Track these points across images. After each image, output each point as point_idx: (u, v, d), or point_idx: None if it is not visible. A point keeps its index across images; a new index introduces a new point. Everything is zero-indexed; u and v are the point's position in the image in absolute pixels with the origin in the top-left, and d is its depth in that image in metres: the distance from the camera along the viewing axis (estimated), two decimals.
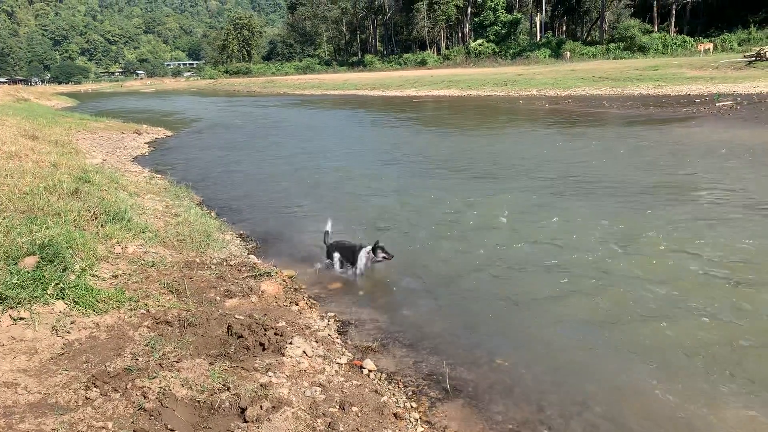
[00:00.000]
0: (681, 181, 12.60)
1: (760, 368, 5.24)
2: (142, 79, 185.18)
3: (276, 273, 7.52)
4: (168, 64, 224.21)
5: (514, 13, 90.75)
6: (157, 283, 6.28)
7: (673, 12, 69.91)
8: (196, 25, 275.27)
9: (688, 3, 69.03)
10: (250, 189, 14.34)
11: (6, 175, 8.94)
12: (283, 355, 5.03)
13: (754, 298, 6.60)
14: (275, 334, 5.35)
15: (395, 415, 4.52)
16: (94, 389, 4.03)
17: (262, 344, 5.15)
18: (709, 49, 55.41)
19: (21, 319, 4.78)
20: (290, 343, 5.22)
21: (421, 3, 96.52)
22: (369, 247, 7.74)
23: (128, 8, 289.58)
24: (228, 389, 4.26)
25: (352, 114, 37.41)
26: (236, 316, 5.74)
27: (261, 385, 4.42)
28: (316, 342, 5.64)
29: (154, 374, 4.29)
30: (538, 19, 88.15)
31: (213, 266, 7.32)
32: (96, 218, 7.76)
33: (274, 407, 4.11)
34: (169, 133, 27.89)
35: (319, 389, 4.62)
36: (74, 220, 7.29)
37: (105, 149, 20.17)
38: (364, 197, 12.69)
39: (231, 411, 4.06)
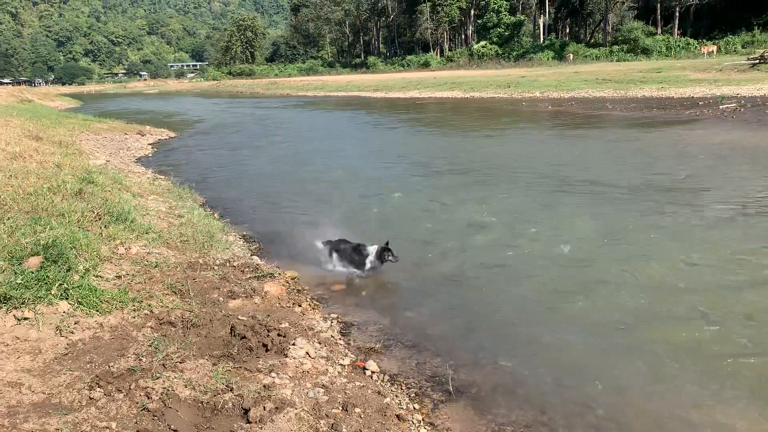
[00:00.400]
0: (684, 184, 12.57)
1: (764, 371, 5.22)
2: (145, 80, 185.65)
3: (279, 274, 7.53)
4: (171, 66, 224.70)
5: (518, 15, 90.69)
6: (160, 284, 6.29)
7: (677, 14, 69.80)
8: (200, 27, 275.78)
9: (691, 5, 68.97)
10: (254, 190, 14.35)
11: (10, 175, 8.96)
12: (286, 356, 5.04)
13: (757, 303, 6.58)
14: (278, 335, 5.35)
15: (398, 416, 4.52)
16: (98, 389, 4.04)
17: (265, 345, 5.16)
18: (712, 51, 55.35)
19: (25, 319, 4.79)
20: (293, 344, 5.23)
21: (425, 5, 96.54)
22: (376, 248, 7.75)
23: (132, 9, 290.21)
24: (231, 390, 4.27)
25: (355, 116, 37.43)
26: (239, 317, 5.74)
27: (264, 386, 4.42)
28: (319, 343, 5.64)
29: (158, 375, 4.29)
30: (541, 21, 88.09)
31: (216, 267, 7.32)
32: (100, 219, 7.77)
33: (277, 408, 4.11)
34: (173, 134, 27.94)
35: (322, 390, 4.62)
36: (78, 221, 7.30)
37: (108, 150, 20.21)
38: (367, 198, 12.70)
39: (234, 412, 4.06)
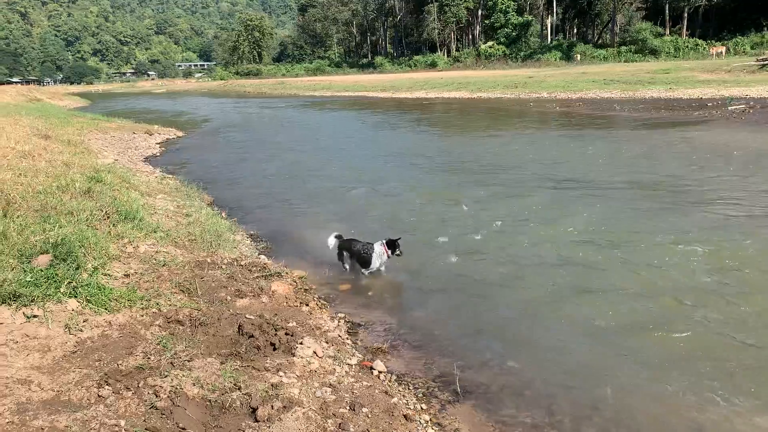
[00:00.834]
0: (692, 187, 12.49)
1: None
2: (153, 79, 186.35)
3: (286, 273, 7.54)
4: (179, 65, 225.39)
5: (525, 16, 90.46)
6: (168, 283, 6.31)
7: (685, 15, 69.53)
8: (207, 27, 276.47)
9: (700, 6, 68.63)
10: (261, 189, 14.38)
11: (20, 174, 9.00)
12: (294, 356, 5.04)
13: (765, 307, 6.54)
14: (286, 334, 5.36)
15: (405, 416, 4.52)
16: (107, 387, 4.05)
17: (272, 344, 5.17)
18: (721, 52, 55.06)
19: (34, 316, 4.82)
20: (301, 344, 5.23)
21: (432, 5, 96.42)
22: (382, 243, 7.77)
23: (140, 9, 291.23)
24: (239, 389, 4.27)
25: (362, 116, 37.44)
26: (247, 315, 5.75)
27: (272, 385, 4.43)
28: (327, 342, 5.65)
29: (166, 373, 4.30)
30: (548, 22, 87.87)
31: (224, 266, 7.34)
32: (108, 217, 7.81)
33: (285, 407, 4.12)
34: (180, 134, 28.03)
35: (329, 390, 4.63)
36: (87, 219, 7.33)
37: (117, 149, 20.29)
38: (373, 198, 12.70)
39: (242, 410, 4.07)
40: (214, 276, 6.90)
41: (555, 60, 74.06)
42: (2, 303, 4.86)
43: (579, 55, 71.95)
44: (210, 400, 4.11)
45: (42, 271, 5.32)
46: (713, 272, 7.48)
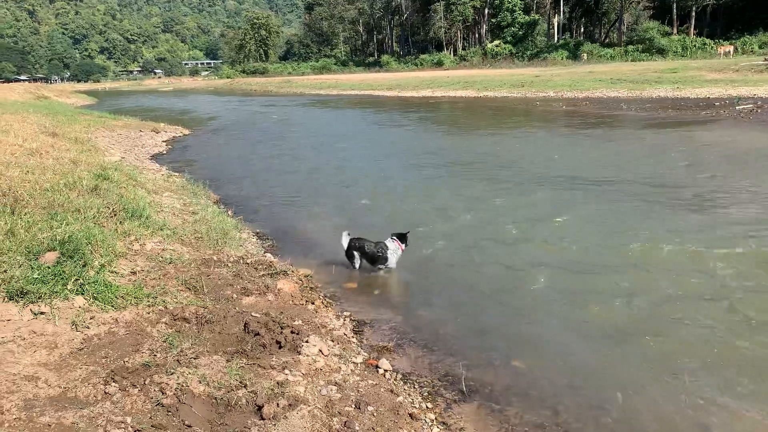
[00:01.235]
0: (701, 187, 12.43)
1: None
2: (160, 77, 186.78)
3: (292, 272, 7.55)
4: (186, 63, 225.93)
5: (532, 15, 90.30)
6: (174, 280, 6.32)
7: (693, 14, 69.25)
8: (214, 25, 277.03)
9: (708, 5, 68.33)
10: (267, 187, 14.40)
11: (27, 171, 9.05)
12: (300, 354, 5.05)
13: None
14: (291, 332, 5.37)
15: (411, 415, 4.51)
16: (113, 384, 4.07)
17: (278, 342, 5.17)
18: (729, 51, 54.83)
19: (41, 313, 4.84)
20: (306, 342, 5.24)
21: (438, 4, 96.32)
22: (394, 240, 7.83)
23: (147, 7, 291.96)
24: (245, 386, 4.28)
25: (369, 114, 37.45)
26: (253, 313, 5.76)
27: (277, 383, 4.44)
28: (332, 341, 5.65)
29: (172, 370, 4.31)
30: (555, 21, 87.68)
31: (230, 264, 7.35)
32: (115, 215, 7.84)
33: (290, 405, 4.12)
34: (187, 132, 28.09)
35: (335, 388, 4.63)
36: (94, 217, 7.37)
37: (123, 147, 20.36)
38: (379, 195, 12.70)
39: (248, 408, 4.08)
40: (220, 274, 6.91)
41: (562, 59, 73.88)
42: (10, 300, 4.89)
43: (586, 55, 71.78)
44: (216, 398, 4.12)
45: (49, 268, 5.34)
46: (720, 272, 7.45)
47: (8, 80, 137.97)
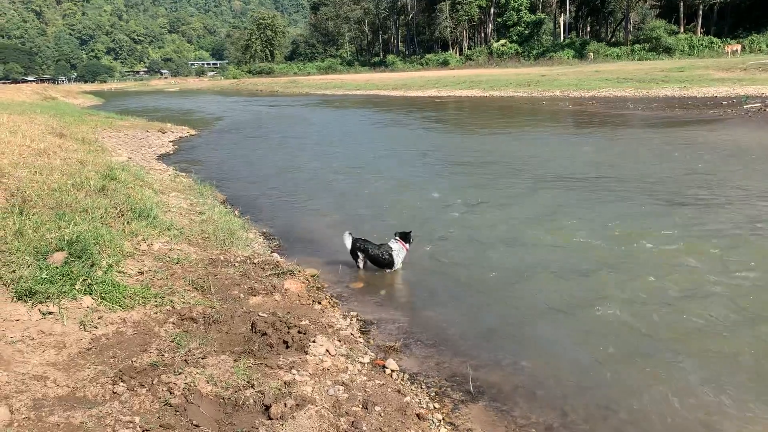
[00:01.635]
0: (709, 188, 12.37)
1: None
2: (166, 78, 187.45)
3: (299, 271, 7.55)
4: (192, 64, 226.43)
5: (538, 14, 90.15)
6: (182, 280, 6.34)
7: (700, 13, 68.93)
8: (220, 25, 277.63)
9: (715, 4, 68.02)
10: (273, 188, 14.42)
11: (35, 171, 9.08)
12: (307, 353, 5.05)
13: None
14: (298, 332, 5.37)
15: (418, 415, 4.51)
16: (121, 384, 4.08)
17: (285, 342, 5.18)
18: (736, 50, 54.57)
19: (50, 313, 4.86)
20: (313, 342, 5.24)
21: (444, 3, 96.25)
22: (398, 241, 7.84)
23: (153, 8, 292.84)
24: (252, 386, 4.29)
25: (374, 114, 37.46)
26: (260, 313, 5.77)
27: (285, 383, 4.44)
28: (339, 341, 5.65)
29: (180, 370, 4.32)
30: (561, 20, 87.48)
31: (237, 264, 7.36)
32: (122, 215, 7.86)
33: (298, 405, 4.12)
34: (193, 132, 28.15)
35: (342, 388, 4.63)
36: (101, 217, 7.39)
37: (130, 147, 20.43)
38: (385, 197, 12.70)
39: (255, 408, 4.08)
40: (227, 274, 6.93)
41: (568, 58, 73.74)
42: (18, 300, 4.92)
43: (592, 54, 71.57)
44: (223, 398, 4.12)
45: (57, 268, 5.36)
46: (727, 273, 7.41)
47: (16, 81, 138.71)
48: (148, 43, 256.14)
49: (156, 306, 5.52)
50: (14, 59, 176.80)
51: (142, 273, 6.28)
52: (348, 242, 8.15)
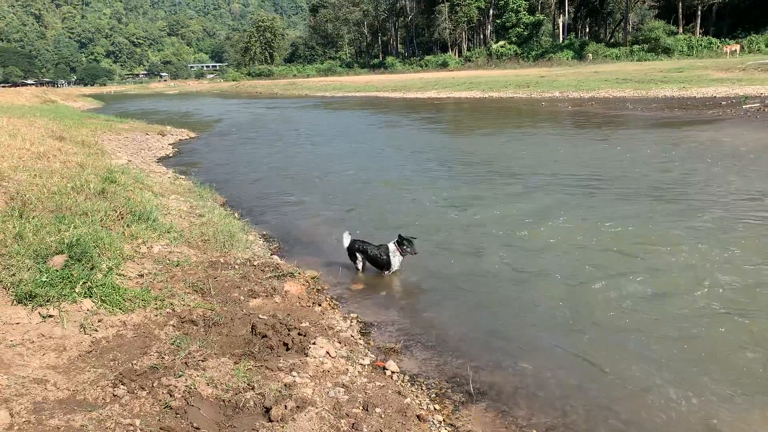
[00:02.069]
0: (710, 188, 12.37)
1: None
2: (165, 81, 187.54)
3: (299, 273, 7.55)
4: (191, 66, 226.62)
5: (537, 15, 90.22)
6: (182, 283, 6.34)
7: (699, 13, 68.99)
8: (219, 28, 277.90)
9: (714, 4, 68.09)
10: (273, 190, 14.42)
11: (35, 175, 9.09)
12: (307, 356, 5.05)
13: None
14: (299, 334, 5.37)
15: (419, 417, 4.51)
16: (122, 387, 4.08)
17: (285, 344, 5.18)
18: (735, 50, 54.62)
19: (50, 316, 4.86)
20: (314, 344, 5.24)
21: (443, 5, 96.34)
22: (395, 242, 7.80)
23: (152, 11, 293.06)
24: (252, 388, 4.28)
25: (374, 116, 37.45)
26: (260, 315, 5.77)
27: (285, 385, 4.44)
28: (339, 343, 5.65)
29: (180, 373, 4.32)
30: (560, 21, 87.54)
31: (237, 266, 7.37)
32: (122, 218, 7.87)
33: (298, 407, 4.12)
34: (193, 135, 28.16)
35: (342, 390, 4.63)
36: (101, 220, 7.40)
37: (130, 150, 20.42)
38: (385, 199, 12.70)
39: (256, 410, 4.08)
40: (227, 276, 6.93)
41: (567, 59, 73.80)
42: (18, 303, 4.92)
43: (591, 54, 71.62)
44: (224, 400, 4.12)
45: (57, 271, 5.36)
46: (732, 273, 7.41)
47: (15, 84, 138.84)
48: (148, 46, 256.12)
49: (156, 309, 5.52)
50: (14, 62, 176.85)
51: (142, 276, 6.28)
52: (346, 241, 8.15)
